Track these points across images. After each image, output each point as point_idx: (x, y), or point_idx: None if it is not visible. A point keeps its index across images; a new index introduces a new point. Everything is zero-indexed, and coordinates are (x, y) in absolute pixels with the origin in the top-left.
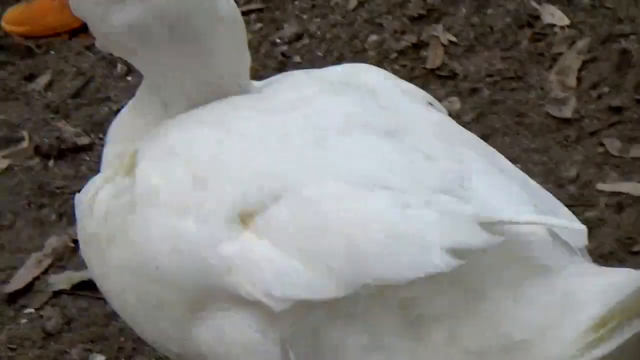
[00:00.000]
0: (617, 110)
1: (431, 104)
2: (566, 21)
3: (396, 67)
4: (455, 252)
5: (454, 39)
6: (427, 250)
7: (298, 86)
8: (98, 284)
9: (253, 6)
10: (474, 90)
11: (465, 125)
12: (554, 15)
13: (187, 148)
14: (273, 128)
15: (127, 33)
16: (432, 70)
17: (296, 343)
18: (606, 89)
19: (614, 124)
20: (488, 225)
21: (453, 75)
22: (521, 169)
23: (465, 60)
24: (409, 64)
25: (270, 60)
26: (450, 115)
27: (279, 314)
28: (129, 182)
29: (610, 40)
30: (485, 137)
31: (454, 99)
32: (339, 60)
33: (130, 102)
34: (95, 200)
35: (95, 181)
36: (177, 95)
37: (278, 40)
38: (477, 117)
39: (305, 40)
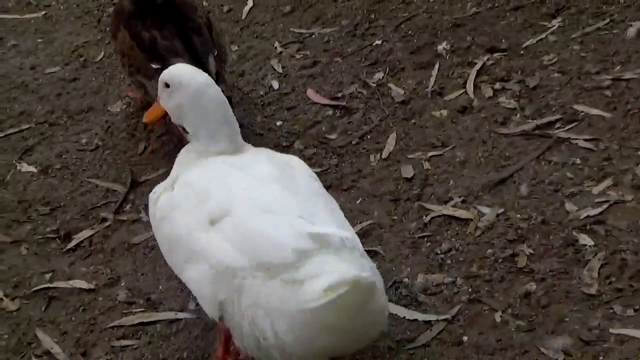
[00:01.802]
0: None
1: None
2: None
3: None
4: (297, 251)
5: None
6: (285, 249)
7: (258, 159)
8: (155, 236)
9: None
10: None
11: None
12: None
13: (195, 181)
14: (234, 177)
15: (175, 108)
16: None
17: (224, 287)
18: None
19: None
20: (315, 235)
21: None
22: None
23: None
24: None
25: None
26: None
27: (218, 272)
28: (172, 193)
29: None
30: None
31: None
32: None
33: (189, 144)
34: (159, 199)
35: (160, 187)
36: (204, 146)
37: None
38: None
39: None
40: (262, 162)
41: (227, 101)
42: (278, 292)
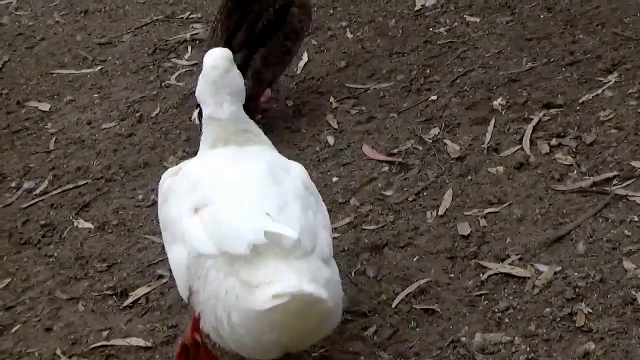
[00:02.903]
0: None
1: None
2: None
3: None
4: (252, 245)
5: None
6: (242, 242)
7: (255, 156)
8: (158, 214)
9: None
10: None
11: None
12: None
13: (193, 172)
14: (224, 172)
15: (200, 88)
16: None
17: (194, 274)
18: None
19: None
20: (269, 233)
21: None
22: None
23: None
24: None
25: None
26: None
27: (193, 258)
28: (174, 179)
29: None
30: None
31: None
32: None
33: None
34: (164, 183)
35: (169, 172)
36: (211, 111)
37: None
38: None
39: None
40: (256, 159)
41: (240, 76)
42: (235, 289)
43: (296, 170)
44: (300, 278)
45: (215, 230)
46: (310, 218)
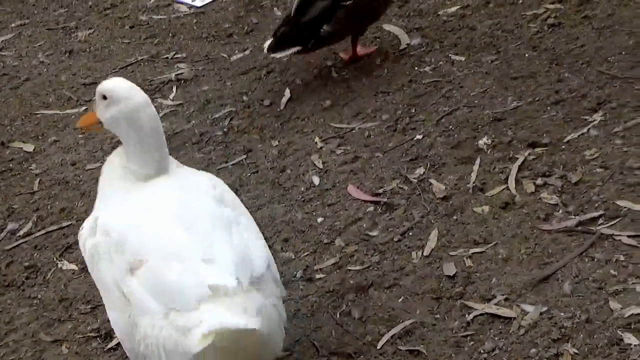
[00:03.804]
0: None
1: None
2: None
3: None
4: (199, 299)
5: None
6: (189, 299)
7: (168, 191)
8: (91, 274)
9: None
10: None
11: None
12: None
13: (113, 228)
14: (146, 221)
15: (110, 121)
16: None
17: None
18: None
19: None
20: (213, 286)
21: None
22: None
23: None
24: None
25: None
26: None
27: (131, 314)
28: (95, 242)
29: None
30: None
31: None
32: None
33: (119, 149)
34: (85, 242)
35: (87, 224)
36: (134, 165)
37: None
38: None
39: None
40: (171, 195)
41: (160, 126)
42: (173, 336)
43: (202, 187)
44: (230, 313)
45: (159, 289)
46: (237, 241)
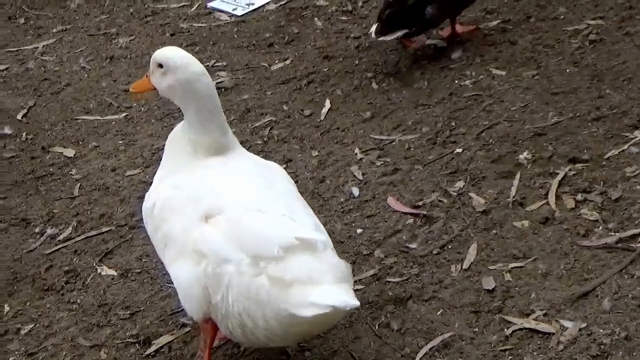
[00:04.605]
0: None
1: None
2: None
3: None
4: (283, 247)
5: None
6: (272, 244)
7: (242, 162)
8: (152, 241)
9: None
10: None
11: None
12: None
13: (185, 186)
14: (222, 180)
15: (167, 90)
16: None
17: (214, 284)
18: None
19: None
20: (300, 239)
21: None
22: None
23: None
24: None
25: None
26: None
27: (208, 263)
28: (166, 196)
29: None
30: None
31: None
32: None
33: (181, 124)
34: (155, 205)
35: (152, 194)
36: (195, 134)
37: None
38: None
39: None
40: (246, 165)
41: (217, 95)
42: (266, 287)
43: (277, 169)
44: (339, 287)
45: (241, 236)
46: (312, 213)
